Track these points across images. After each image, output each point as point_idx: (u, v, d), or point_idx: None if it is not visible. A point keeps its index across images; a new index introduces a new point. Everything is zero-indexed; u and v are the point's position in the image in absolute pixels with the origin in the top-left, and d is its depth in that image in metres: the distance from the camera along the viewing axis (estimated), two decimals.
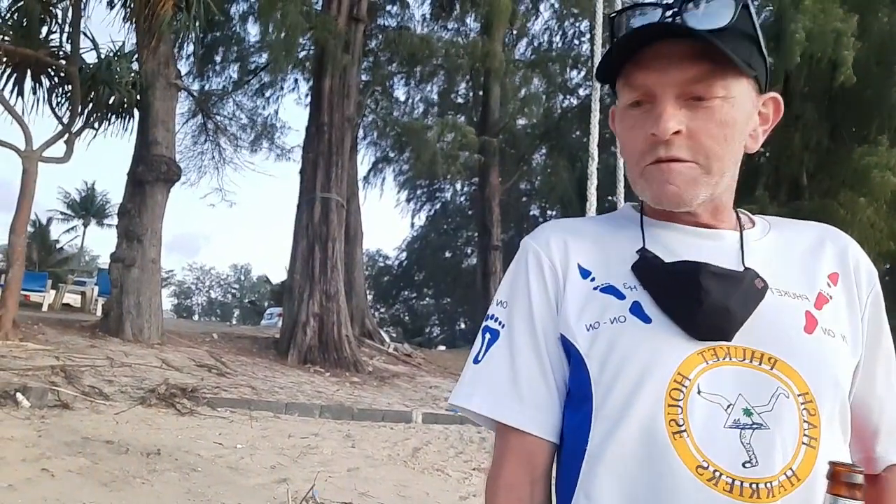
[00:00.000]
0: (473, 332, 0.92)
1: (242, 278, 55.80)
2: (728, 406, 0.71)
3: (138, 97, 9.96)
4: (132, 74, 9.98)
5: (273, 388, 8.01)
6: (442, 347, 20.61)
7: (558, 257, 0.83)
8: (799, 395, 0.72)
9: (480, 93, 19.54)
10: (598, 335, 0.76)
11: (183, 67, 13.36)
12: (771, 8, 15.07)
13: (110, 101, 9.81)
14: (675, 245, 0.81)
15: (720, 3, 0.74)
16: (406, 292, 33.11)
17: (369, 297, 21.85)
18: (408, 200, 25.69)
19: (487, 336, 0.85)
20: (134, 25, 9.57)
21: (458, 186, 26.01)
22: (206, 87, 15.08)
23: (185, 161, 14.75)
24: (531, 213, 27.44)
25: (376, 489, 4.70)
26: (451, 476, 5.39)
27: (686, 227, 0.82)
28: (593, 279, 0.81)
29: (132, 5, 9.16)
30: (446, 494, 4.85)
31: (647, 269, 0.79)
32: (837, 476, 0.60)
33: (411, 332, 29.54)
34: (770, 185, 15.05)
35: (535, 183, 24.49)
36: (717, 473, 0.69)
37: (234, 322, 36.10)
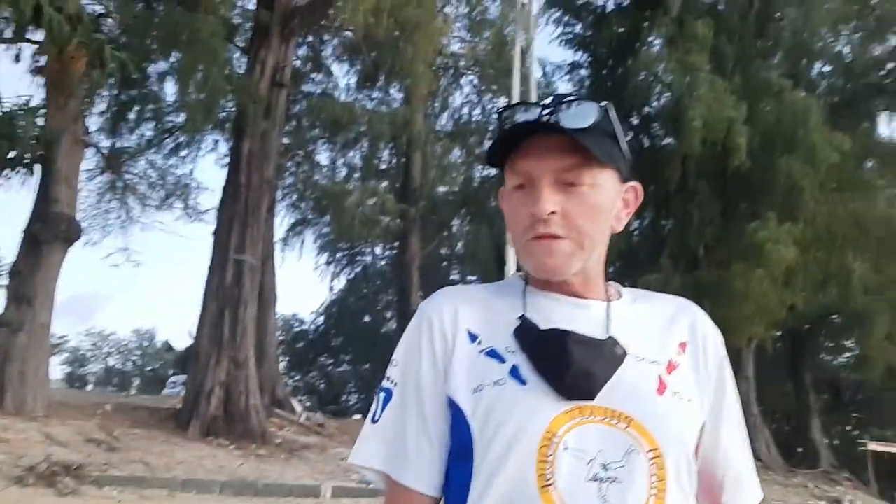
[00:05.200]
0: None
1: (146, 344, 52.13)
2: (590, 461, 0.80)
3: (41, 153, 9.52)
4: (36, 129, 9.56)
5: (169, 463, 7.50)
6: (357, 416, 20.04)
7: (449, 322, 0.91)
8: (648, 452, 0.81)
9: (403, 160, 19.93)
10: (482, 398, 0.84)
11: (93, 123, 12.93)
12: (670, 94, 16.48)
13: (9, 156, 9.31)
14: (550, 312, 0.90)
15: (586, 106, 0.88)
16: (322, 358, 32.17)
17: (283, 364, 21.12)
18: (327, 263, 25.31)
19: (383, 395, 0.92)
20: (44, 80, 9.25)
21: (379, 251, 26.02)
22: (118, 144, 14.58)
23: (87, 219, 14.05)
24: (451, 277, 27.73)
25: None
26: None
27: (561, 296, 0.92)
28: (480, 342, 0.89)
29: (40, 60, 8.89)
30: None
31: (525, 334, 0.88)
32: None
33: (326, 401, 28.55)
34: (674, 255, 16.00)
35: (456, 248, 24.86)
36: None
37: (134, 392, 33.77)
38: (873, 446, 16.96)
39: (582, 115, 0.87)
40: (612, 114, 0.90)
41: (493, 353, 0.88)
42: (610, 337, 0.87)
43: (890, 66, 17.42)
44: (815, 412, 20.04)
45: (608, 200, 0.90)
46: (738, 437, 0.94)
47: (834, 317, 20.01)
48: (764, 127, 14.69)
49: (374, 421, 0.91)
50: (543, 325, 0.88)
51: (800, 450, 19.74)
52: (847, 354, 24.38)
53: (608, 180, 0.90)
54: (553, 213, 0.86)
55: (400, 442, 0.88)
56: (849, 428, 25.40)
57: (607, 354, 0.85)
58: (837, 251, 15.61)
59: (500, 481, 0.80)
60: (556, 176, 0.87)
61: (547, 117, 0.87)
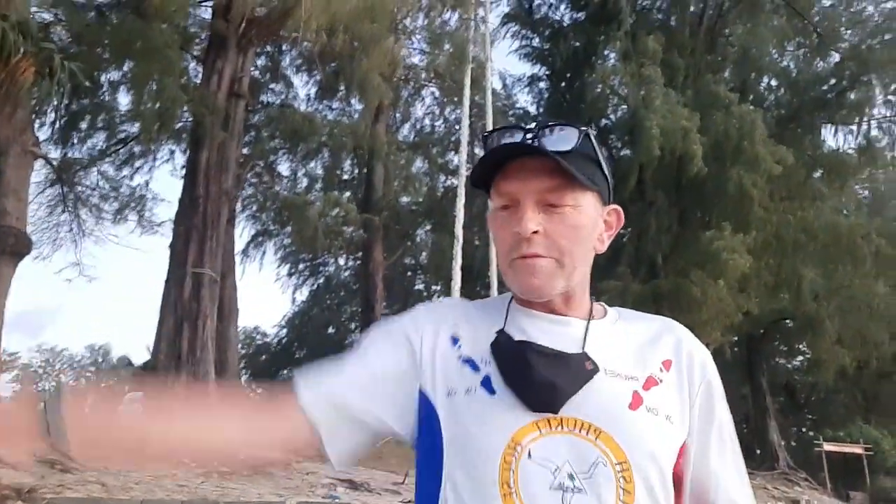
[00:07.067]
0: None
1: (100, 360, 50.37)
2: (556, 469, 0.82)
3: None
4: None
5: (127, 483, 7.26)
6: None
7: (441, 319, 0.97)
8: (616, 464, 0.83)
9: (365, 170, 19.87)
10: (453, 402, 0.89)
11: (43, 133, 12.53)
12: (626, 106, 16.90)
13: None
14: (528, 328, 0.93)
15: (567, 131, 0.91)
16: (285, 371, 31.67)
17: (244, 378, 20.71)
18: (289, 275, 24.97)
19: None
20: None
21: (342, 261, 25.80)
22: (69, 155, 14.15)
23: (37, 233, 13.57)
24: (416, 287, 27.67)
25: None
26: None
27: (540, 313, 0.94)
28: (460, 348, 0.94)
29: None
30: None
31: (499, 347, 0.91)
32: None
33: None
34: (632, 263, 16.29)
35: (420, 258, 24.86)
36: None
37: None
38: (827, 447, 17.52)
39: (564, 139, 0.90)
40: (594, 139, 0.93)
41: (469, 361, 0.91)
42: (583, 352, 0.90)
43: (832, 81, 18.20)
44: (771, 414, 20.62)
45: (589, 222, 0.93)
46: (730, 463, 0.95)
47: (787, 321, 20.69)
48: (714, 138, 15.17)
49: None
50: (518, 339, 0.91)
51: (758, 451, 20.27)
52: (800, 358, 25.23)
53: (589, 202, 0.93)
54: (535, 232, 0.89)
55: (331, 372, 0.93)
56: (804, 429, 26.20)
57: (574, 369, 0.88)
58: (788, 258, 16.18)
59: (465, 489, 0.84)
60: (539, 197, 0.90)
61: (530, 141, 0.91)
